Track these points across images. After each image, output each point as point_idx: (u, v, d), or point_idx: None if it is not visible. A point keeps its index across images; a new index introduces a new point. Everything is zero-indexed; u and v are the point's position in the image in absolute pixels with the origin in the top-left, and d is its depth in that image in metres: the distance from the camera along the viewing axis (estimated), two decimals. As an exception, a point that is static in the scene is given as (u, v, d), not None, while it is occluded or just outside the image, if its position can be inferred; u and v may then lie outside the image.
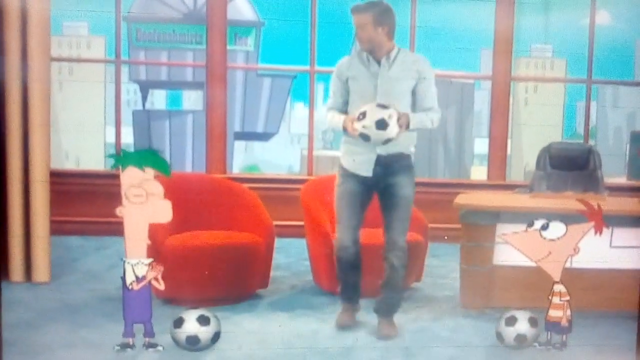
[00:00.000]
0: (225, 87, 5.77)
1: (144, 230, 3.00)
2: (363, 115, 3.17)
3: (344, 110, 3.37)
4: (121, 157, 3.00)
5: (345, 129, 3.28)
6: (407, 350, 3.27)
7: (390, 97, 3.30)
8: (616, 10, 6.40)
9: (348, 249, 3.40)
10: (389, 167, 3.35)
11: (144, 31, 7.45)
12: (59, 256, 4.30)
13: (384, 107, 3.18)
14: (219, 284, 3.74)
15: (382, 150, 3.31)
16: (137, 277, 2.99)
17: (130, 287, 2.99)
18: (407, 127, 3.23)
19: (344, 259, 3.44)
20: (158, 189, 2.99)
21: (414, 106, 3.36)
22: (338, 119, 3.34)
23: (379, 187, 3.39)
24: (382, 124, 3.14)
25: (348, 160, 3.40)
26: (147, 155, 3.03)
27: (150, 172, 2.98)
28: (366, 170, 3.35)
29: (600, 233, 3.20)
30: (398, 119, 3.16)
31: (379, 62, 3.32)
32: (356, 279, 3.50)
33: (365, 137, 3.19)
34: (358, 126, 3.17)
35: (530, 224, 3.24)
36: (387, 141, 3.19)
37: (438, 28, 6.17)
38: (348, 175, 3.40)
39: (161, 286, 3.02)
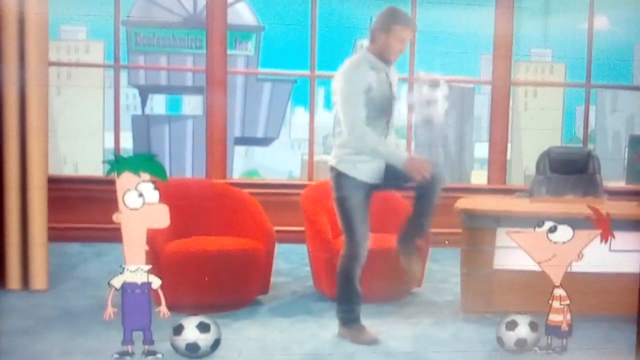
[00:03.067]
0: (225, 92, 5.77)
1: (142, 236, 2.98)
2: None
3: None
4: (116, 163, 2.98)
5: (409, 169, 3.17)
6: (408, 355, 3.26)
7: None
8: (615, 15, 6.41)
9: (362, 261, 3.32)
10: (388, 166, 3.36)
11: (143, 35, 7.46)
12: (57, 263, 4.29)
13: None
14: (218, 291, 3.73)
15: None
16: (138, 284, 2.98)
17: (110, 285, 2.98)
18: None
19: (356, 274, 3.33)
20: (155, 193, 2.97)
21: None
22: (395, 156, 3.23)
23: (382, 183, 3.35)
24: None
25: (359, 170, 3.28)
26: (142, 160, 3.01)
27: (146, 177, 2.97)
28: (378, 177, 3.30)
29: (607, 241, 3.20)
30: None
31: (388, 69, 3.34)
32: (361, 293, 3.39)
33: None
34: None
35: (540, 224, 3.23)
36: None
37: (438, 33, 6.18)
38: (357, 185, 3.27)
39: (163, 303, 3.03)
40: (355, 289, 3.35)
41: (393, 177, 3.30)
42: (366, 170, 3.28)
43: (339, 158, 3.30)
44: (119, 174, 2.95)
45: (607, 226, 3.19)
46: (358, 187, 3.28)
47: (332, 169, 3.33)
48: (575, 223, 3.23)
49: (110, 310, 2.95)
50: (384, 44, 3.27)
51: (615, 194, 4.64)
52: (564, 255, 3.21)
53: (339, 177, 3.30)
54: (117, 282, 2.97)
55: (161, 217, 2.99)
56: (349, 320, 3.40)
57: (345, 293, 3.38)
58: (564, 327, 3.23)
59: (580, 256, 3.21)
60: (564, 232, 3.20)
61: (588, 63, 6.00)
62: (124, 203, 2.95)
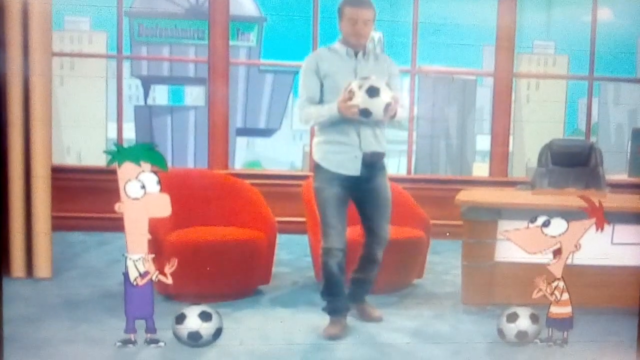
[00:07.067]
0: (227, 83, 5.77)
1: (144, 225, 2.99)
2: (350, 92, 3.07)
3: None
4: (117, 153, 2.99)
5: (341, 112, 3.10)
6: (409, 346, 3.27)
7: None
8: (618, 7, 6.39)
9: (341, 256, 3.27)
10: (373, 167, 3.29)
11: (146, 26, 7.45)
12: (60, 252, 4.31)
13: (364, 78, 3.13)
14: (220, 280, 3.74)
15: (367, 148, 3.23)
16: (140, 273, 2.99)
17: (134, 282, 2.99)
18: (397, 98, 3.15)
19: (336, 267, 3.27)
20: (156, 183, 2.98)
21: None
22: (328, 108, 3.16)
23: (362, 187, 3.29)
24: (373, 91, 3.05)
25: (330, 160, 3.26)
26: (143, 150, 3.01)
27: (146, 166, 2.98)
28: (354, 169, 3.24)
29: (602, 229, 3.20)
30: (385, 83, 3.12)
31: (356, 56, 3.27)
32: (343, 287, 3.37)
33: (365, 113, 3.07)
34: (355, 102, 3.05)
35: (533, 220, 3.23)
36: (387, 107, 3.08)
37: (440, 24, 6.16)
38: (330, 177, 3.24)
39: (169, 280, 3.03)
40: (333, 284, 3.31)
41: (364, 172, 3.26)
42: (338, 162, 3.24)
43: (314, 148, 3.34)
44: (120, 164, 2.96)
45: (600, 215, 3.19)
46: (331, 180, 3.24)
47: (312, 159, 3.36)
48: (572, 215, 3.23)
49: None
50: (341, 28, 3.26)
51: (617, 186, 4.63)
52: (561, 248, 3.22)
53: (315, 167, 3.32)
54: (132, 271, 2.98)
55: (163, 206, 3.00)
56: (331, 311, 3.38)
57: (325, 285, 3.36)
58: (565, 319, 3.24)
59: (577, 247, 3.21)
60: (558, 225, 3.21)
61: (591, 55, 5.99)
62: (126, 193, 2.97)
